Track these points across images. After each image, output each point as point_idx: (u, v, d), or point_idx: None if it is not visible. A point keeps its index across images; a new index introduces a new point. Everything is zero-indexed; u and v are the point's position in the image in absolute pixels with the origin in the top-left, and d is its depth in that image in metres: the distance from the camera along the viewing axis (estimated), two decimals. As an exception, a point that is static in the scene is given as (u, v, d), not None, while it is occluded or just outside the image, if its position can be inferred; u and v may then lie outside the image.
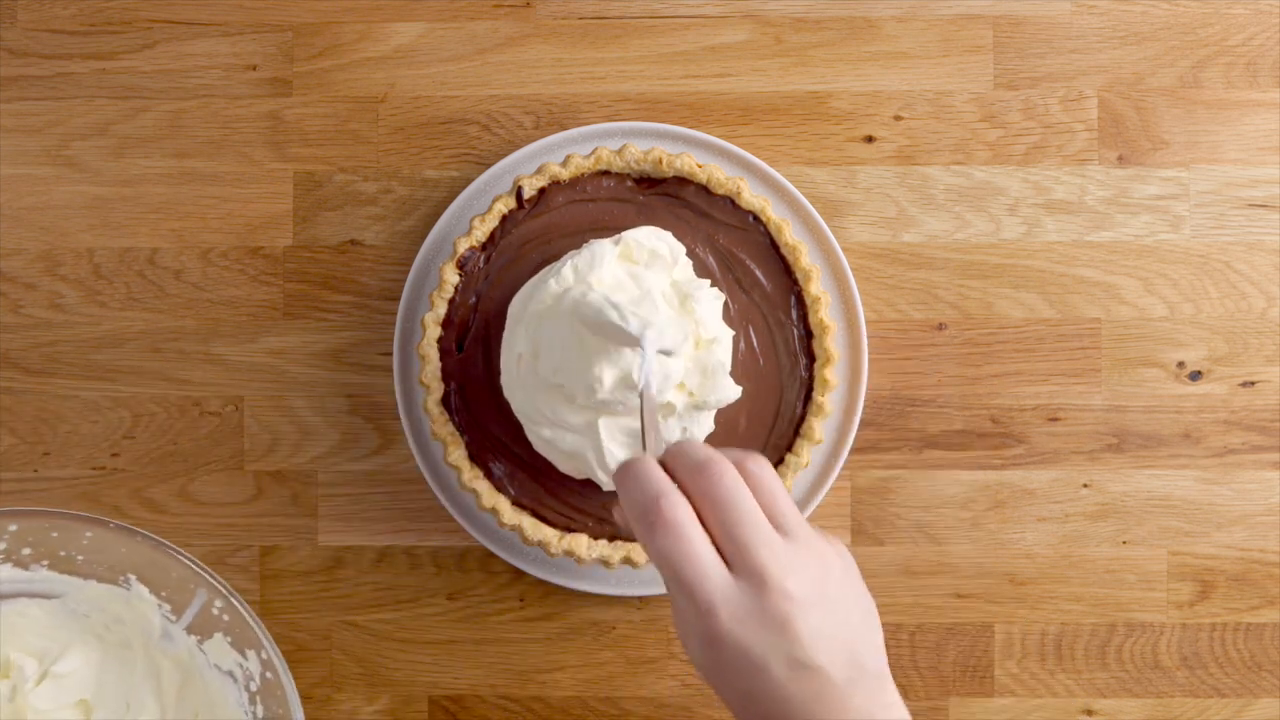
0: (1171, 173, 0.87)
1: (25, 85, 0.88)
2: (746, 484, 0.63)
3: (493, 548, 0.85)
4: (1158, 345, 0.86)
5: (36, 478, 0.88)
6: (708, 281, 0.79)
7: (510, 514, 0.81)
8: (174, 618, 0.80)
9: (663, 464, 0.64)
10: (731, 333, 0.79)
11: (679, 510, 0.61)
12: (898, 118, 0.87)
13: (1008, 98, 0.87)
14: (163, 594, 0.79)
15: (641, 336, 0.71)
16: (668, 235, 0.79)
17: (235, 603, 0.76)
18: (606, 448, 0.76)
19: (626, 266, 0.78)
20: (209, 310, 0.88)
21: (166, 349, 0.88)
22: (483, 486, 0.81)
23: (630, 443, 0.77)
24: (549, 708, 0.87)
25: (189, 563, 0.77)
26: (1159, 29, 0.87)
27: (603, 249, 0.77)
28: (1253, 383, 0.86)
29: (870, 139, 0.87)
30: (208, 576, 0.77)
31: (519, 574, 0.87)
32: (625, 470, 0.64)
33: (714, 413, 0.79)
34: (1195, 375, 0.86)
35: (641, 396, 0.71)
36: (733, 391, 0.78)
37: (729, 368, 0.78)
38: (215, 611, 0.78)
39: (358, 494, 0.87)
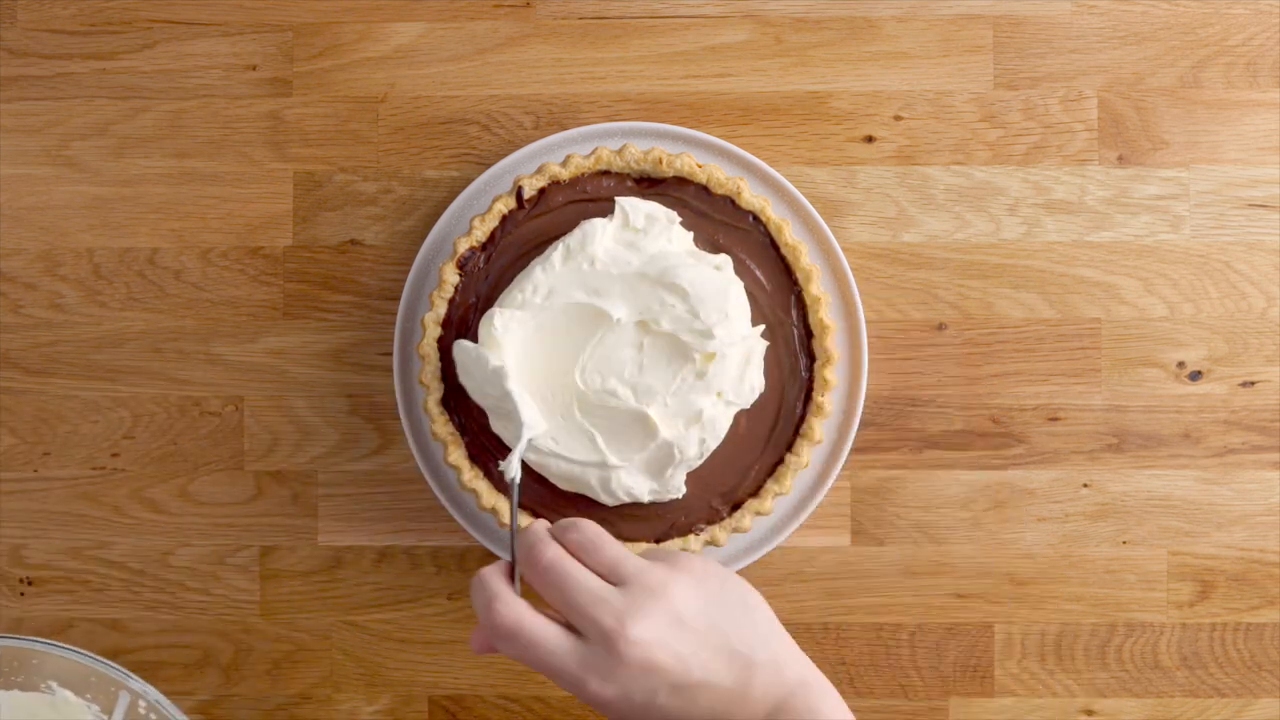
0: (1171, 173, 0.87)
1: (25, 85, 0.88)
2: (569, 551, 0.66)
3: (493, 548, 0.85)
4: (1158, 345, 0.86)
5: (36, 478, 0.88)
6: (739, 283, 0.80)
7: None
8: (105, 717, 0.79)
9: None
10: (762, 326, 0.80)
11: (510, 610, 0.65)
12: (898, 118, 0.87)
13: (1008, 98, 0.87)
14: (87, 696, 0.78)
15: (521, 426, 0.75)
16: (659, 205, 0.81)
17: (161, 703, 0.76)
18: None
19: (626, 235, 0.79)
20: (209, 310, 0.88)
21: (166, 349, 0.88)
22: (483, 486, 0.81)
23: (622, 449, 0.78)
24: (549, 708, 0.87)
25: (105, 667, 0.76)
26: (1159, 29, 0.87)
27: (594, 226, 0.78)
28: (1253, 383, 0.86)
29: (870, 139, 0.87)
30: (127, 679, 0.76)
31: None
32: (474, 584, 0.67)
33: (735, 412, 0.80)
34: (1195, 375, 0.86)
35: (512, 487, 0.74)
36: (760, 389, 0.80)
37: (762, 367, 0.80)
38: (141, 711, 0.77)
39: (358, 494, 0.87)
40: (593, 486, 0.79)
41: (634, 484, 0.79)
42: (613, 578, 0.65)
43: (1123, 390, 0.86)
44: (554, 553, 0.66)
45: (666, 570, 0.66)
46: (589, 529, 0.67)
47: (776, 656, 0.65)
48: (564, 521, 0.69)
